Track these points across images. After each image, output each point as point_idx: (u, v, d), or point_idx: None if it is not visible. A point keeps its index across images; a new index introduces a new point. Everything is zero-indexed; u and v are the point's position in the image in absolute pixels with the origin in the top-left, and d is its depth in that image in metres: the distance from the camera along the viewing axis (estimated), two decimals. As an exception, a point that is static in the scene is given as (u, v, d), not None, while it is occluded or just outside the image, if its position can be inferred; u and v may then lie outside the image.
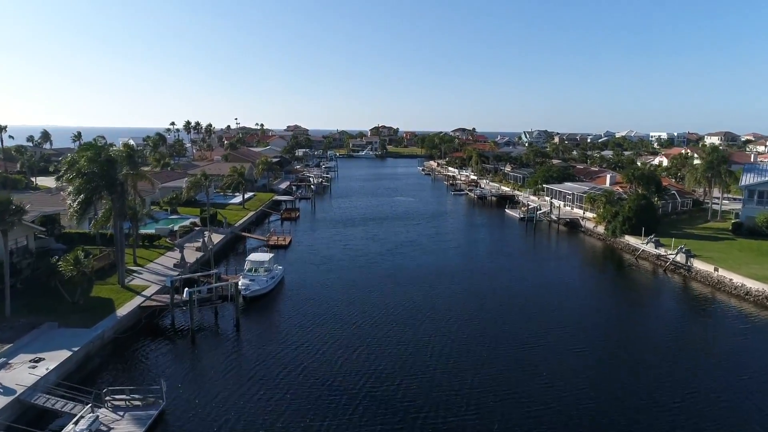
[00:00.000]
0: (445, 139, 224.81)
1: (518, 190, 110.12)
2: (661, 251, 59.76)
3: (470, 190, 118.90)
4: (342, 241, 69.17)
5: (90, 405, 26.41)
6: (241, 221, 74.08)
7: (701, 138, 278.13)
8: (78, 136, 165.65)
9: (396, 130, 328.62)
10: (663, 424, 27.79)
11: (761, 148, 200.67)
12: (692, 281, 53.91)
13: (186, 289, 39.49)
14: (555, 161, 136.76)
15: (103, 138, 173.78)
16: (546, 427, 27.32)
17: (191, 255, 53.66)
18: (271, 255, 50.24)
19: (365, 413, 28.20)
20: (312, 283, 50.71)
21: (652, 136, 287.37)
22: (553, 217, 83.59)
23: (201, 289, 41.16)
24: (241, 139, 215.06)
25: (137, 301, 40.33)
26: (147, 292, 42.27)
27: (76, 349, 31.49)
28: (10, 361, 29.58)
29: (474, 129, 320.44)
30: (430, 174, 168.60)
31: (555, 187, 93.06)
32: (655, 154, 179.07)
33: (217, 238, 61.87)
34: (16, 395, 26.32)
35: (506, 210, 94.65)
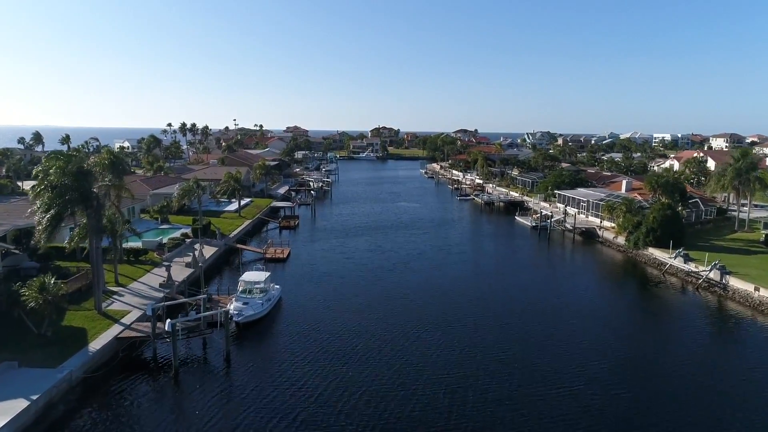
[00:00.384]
0: (447, 140, 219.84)
1: (527, 195, 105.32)
2: (692, 266, 55.01)
3: (476, 195, 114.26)
4: (344, 254, 64.37)
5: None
6: (236, 231, 69.33)
7: (706, 139, 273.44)
8: (66, 138, 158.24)
9: (397, 131, 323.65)
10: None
11: (767, 150, 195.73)
12: (728, 301, 49.22)
13: (168, 320, 34.76)
14: (564, 165, 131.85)
15: (96, 140, 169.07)
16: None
17: (180, 272, 48.96)
18: (267, 274, 45.41)
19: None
20: (312, 305, 45.87)
21: (655, 137, 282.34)
22: (568, 225, 78.89)
23: (186, 318, 36.40)
24: (239, 141, 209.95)
25: (114, 331, 35.60)
26: (127, 319, 37.56)
27: (35, 397, 26.75)
28: (-48, 416, 24.91)
29: (476, 130, 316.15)
30: (433, 177, 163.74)
31: (568, 193, 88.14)
32: (664, 157, 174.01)
33: (209, 251, 57.19)
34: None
35: (516, 217, 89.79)
